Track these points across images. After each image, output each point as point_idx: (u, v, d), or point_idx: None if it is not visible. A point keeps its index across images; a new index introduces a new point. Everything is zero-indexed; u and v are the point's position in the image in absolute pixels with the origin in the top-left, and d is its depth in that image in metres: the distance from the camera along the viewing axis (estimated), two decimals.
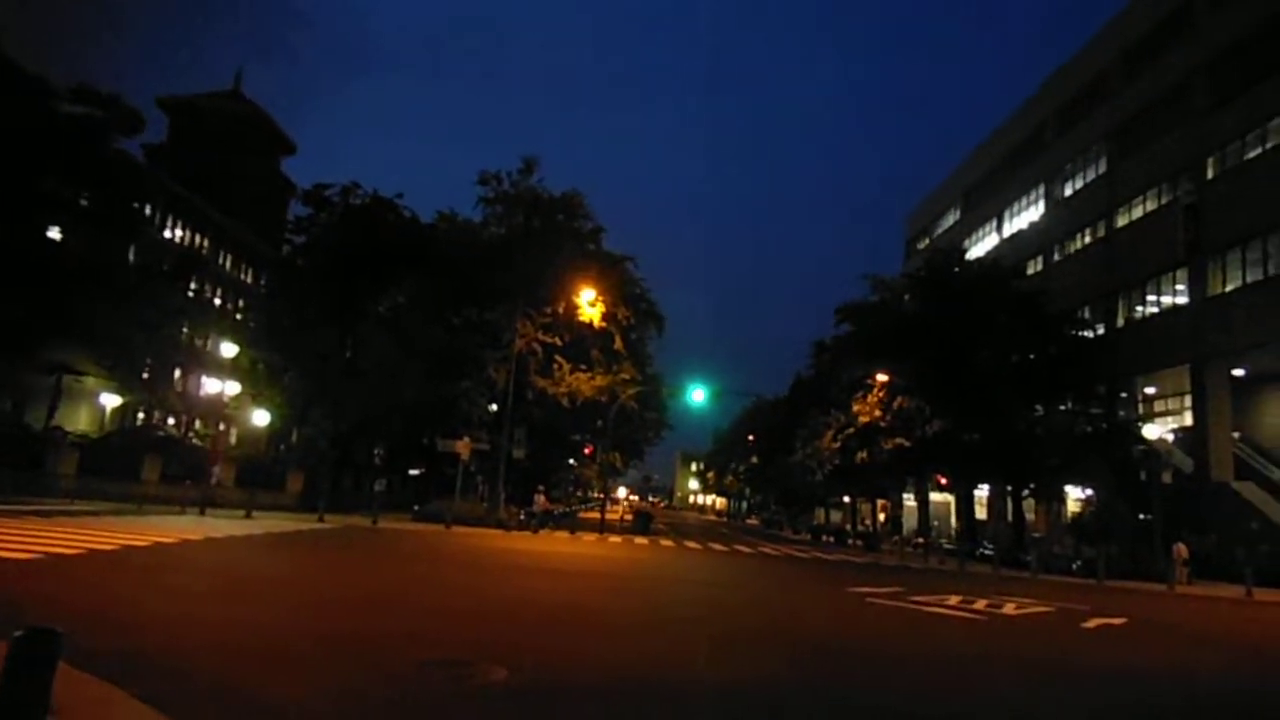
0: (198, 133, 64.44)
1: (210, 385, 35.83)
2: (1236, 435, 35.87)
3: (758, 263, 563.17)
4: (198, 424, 50.71)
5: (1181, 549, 27.68)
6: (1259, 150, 33.61)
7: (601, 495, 55.06)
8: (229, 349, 34.38)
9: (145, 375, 49.24)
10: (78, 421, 42.59)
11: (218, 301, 59.40)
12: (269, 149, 71.75)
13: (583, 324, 39.17)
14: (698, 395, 41.07)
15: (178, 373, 55.01)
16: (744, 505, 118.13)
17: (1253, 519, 31.63)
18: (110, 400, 45.57)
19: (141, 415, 50.86)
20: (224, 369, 36.55)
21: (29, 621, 3.39)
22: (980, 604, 16.56)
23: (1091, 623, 14.92)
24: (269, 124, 71.18)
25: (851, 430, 44.58)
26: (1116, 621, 15.44)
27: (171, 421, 52.75)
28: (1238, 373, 35.79)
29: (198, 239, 56.34)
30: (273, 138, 72.18)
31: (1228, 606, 21.68)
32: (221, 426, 37.43)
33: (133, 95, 32.51)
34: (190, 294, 53.98)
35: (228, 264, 60.93)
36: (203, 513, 25.66)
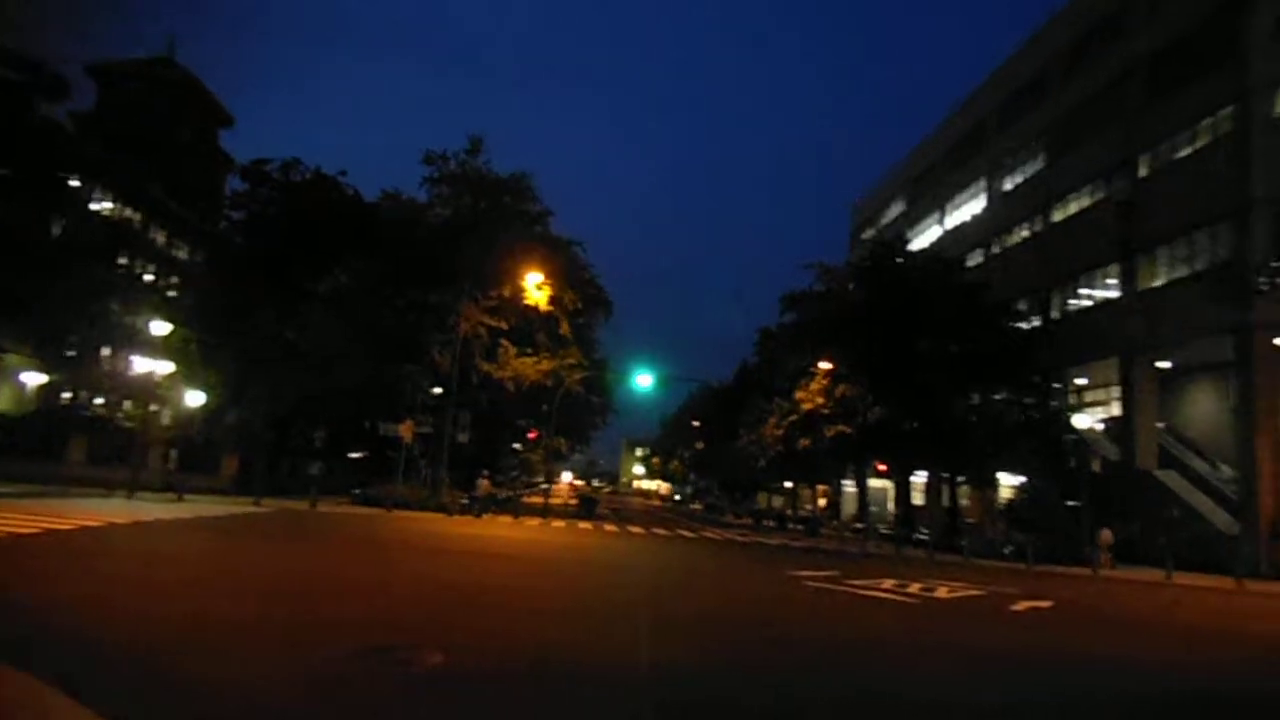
0: (128, 100, 61.80)
1: (141, 364, 34.59)
2: (1161, 426, 37.26)
3: (706, 251, 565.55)
4: (127, 404, 49.01)
5: (1106, 535, 28.72)
6: (1189, 150, 34.75)
7: (546, 479, 54.88)
8: (161, 327, 33.24)
9: (71, 353, 47.42)
10: None
11: (149, 278, 57.35)
12: (205, 120, 69.28)
13: (529, 308, 38.81)
14: (644, 380, 41.15)
15: (106, 351, 53.04)
16: (688, 490, 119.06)
17: (1174, 506, 32.95)
18: (33, 378, 43.77)
19: (68, 394, 48.97)
20: (156, 348, 35.33)
21: None
22: (914, 587, 16.94)
23: (1020, 605, 15.38)
24: (204, 93, 68.70)
25: (795, 417, 45.12)
26: (1044, 604, 15.94)
27: (99, 401, 50.91)
28: (1164, 365, 37.13)
29: (128, 212, 54.26)
30: (208, 108, 69.70)
31: (1148, 590, 22.57)
32: (153, 407, 36.27)
33: (61, 63, 31.09)
34: (120, 269, 52.06)
35: (160, 239, 58.83)
36: (131, 496, 24.83)
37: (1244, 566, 26.15)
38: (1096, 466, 36.30)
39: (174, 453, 29.12)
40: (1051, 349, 39.55)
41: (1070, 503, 33.72)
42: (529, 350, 40.42)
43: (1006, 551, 31.54)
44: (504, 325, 38.99)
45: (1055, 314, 42.76)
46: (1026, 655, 10.54)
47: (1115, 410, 38.17)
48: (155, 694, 5.36)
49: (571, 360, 41.20)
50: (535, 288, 37.45)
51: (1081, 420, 35.75)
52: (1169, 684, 9.27)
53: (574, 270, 41.36)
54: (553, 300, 38.78)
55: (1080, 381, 39.94)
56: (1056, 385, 40.50)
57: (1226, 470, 33.62)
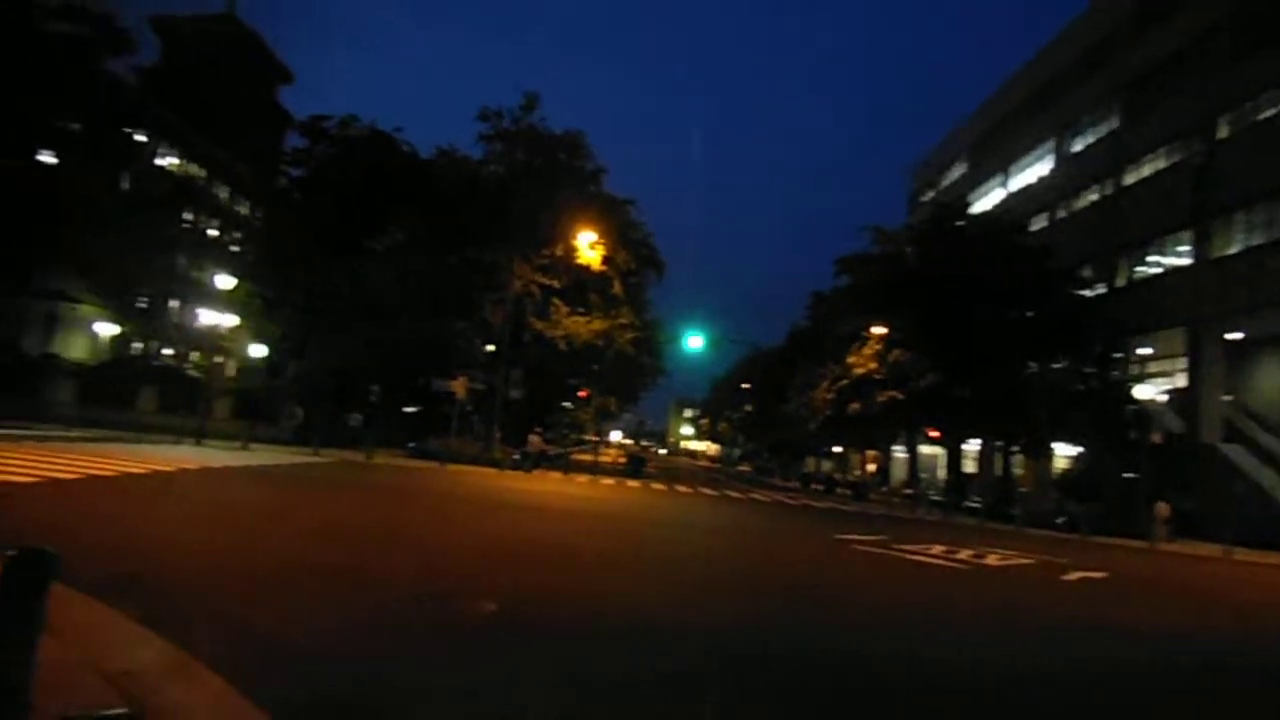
0: (192, 57, 62.89)
1: (207, 317, 35.65)
2: (1228, 399, 36.07)
3: (760, 213, 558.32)
4: (194, 355, 50.66)
5: (1163, 507, 28.04)
6: (1272, 112, 33.10)
7: (595, 438, 55.45)
8: (225, 281, 34.16)
9: (141, 305, 49.09)
10: (74, 349, 42.55)
11: (213, 232, 58.83)
12: (266, 76, 70.26)
13: (581, 267, 38.94)
14: (695, 342, 41.09)
15: (174, 303, 54.78)
16: (736, 452, 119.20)
17: (1239, 481, 32.00)
18: (106, 329, 45.47)
19: (139, 345, 50.79)
20: (221, 301, 36.37)
21: (27, 542, 3.43)
22: (964, 554, 16.84)
23: (1072, 575, 15.20)
24: (265, 50, 69.59)
25: (846, 381, 44.73)
26: (1097, 575, 15.74)
27: (168, 352, 52.72)
28: (1234, 336, 35.83)
29: (193, 168, 55.54)
30: (269, 65, 70.64)
31: (1206, 564, 22.08)
32: (218, 358, 37.42)
33: (125, 16, 31.68)
34: (185, 224, 53.45)
35: (223, 194, 60.17)
36: (199, 442, 25.80)
37: None
38: (1158, 439, 35.36)
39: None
40: (1115, 317, 38.42)
41: (1128, 475, 32.99)
42: (581, 309, 40.62)
43: (1060, 521, 31.07)
44: (556, 284, 39.21)
45: (1121, 281, 41.44)
46: (1075, 622, 10.46)
47: (1180, 382, 37.03)
48: (224, 631, 5.65)
49: (623, 320, 41.33)
50: (588, 246, 37.51)
51: (1144, 391, 34.78)
52: (1219, 654, 9.14)
53: (627, 229, 41.31)
54: (605, 259, 38.85)
55: (1144, 351, 38.78)
56: (1118, 355, 39.41)
57: None
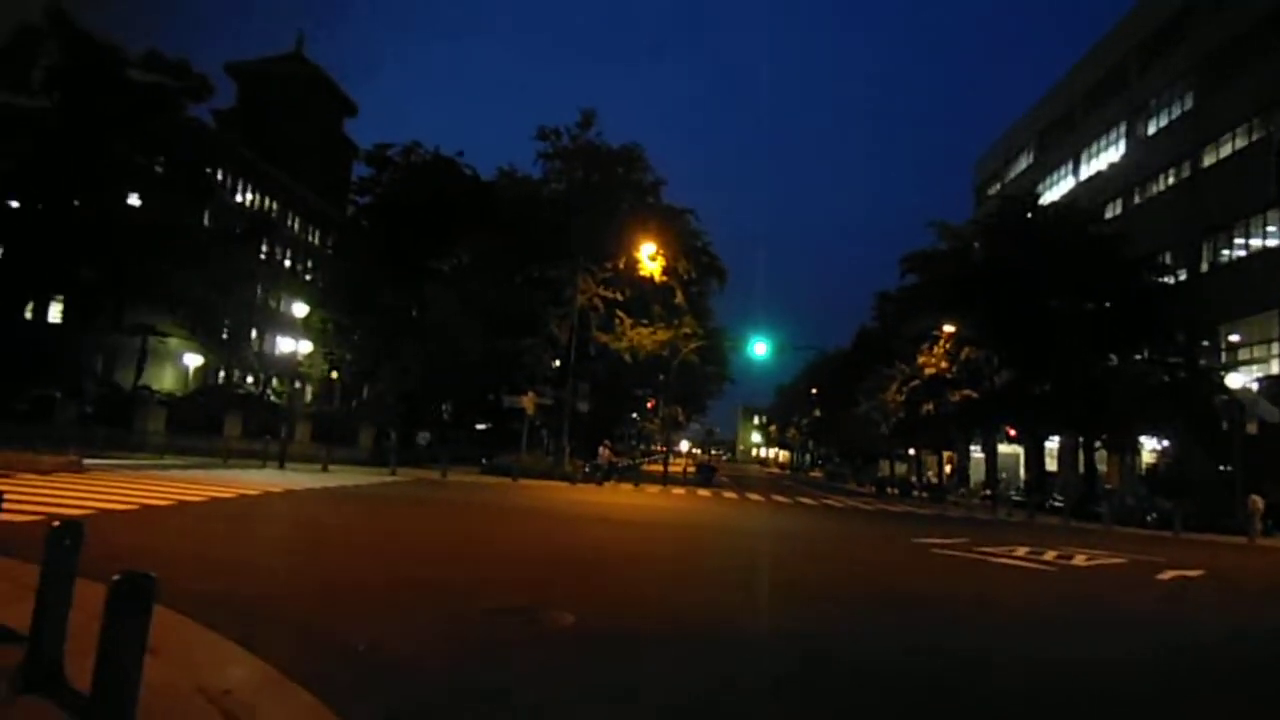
0: (264, 97, 65.61)
1: (284, 344, 37.00)
2: None
3: (824, 214, 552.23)
4: (274, 382, 52.52)
5: (1256, 501, 26.63)
6: None
7: (664, 448, 55.43)
8: (300, 309, 35.38)
9: (224, 335, 51.14)
10: (163, 381, 44.57)
11: (288, 263, 61.02)
12: (332, 110, 72.79)
13: (643, 278, 39.12)
14: (760, 349, 40.81)
15: (254, 333, 56.92)
16: (807, 458, 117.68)
17: None
18: (193, 360, 47.50)
19: (222, 374, 52.90)
20: (296, 328, 37.69)
21: (128, 567, 3.61)
22: (1049, 555, 16.31)
23: (1167, 574, 14.58)
24: (331, 86, 72.09)
25: (917, 382, 43.87)
26: (1193, 573, 15.06)
27: (250, 380, 54.76)
28: None
29: (267, 202, 57.76)
30: (335, 99, 73.14)
31: None
32: (297, 384, 38.70)
33: (199, 61, 33.34)
34: (262, 256, 55.55)
35: (296, 226, 62.41)
36: (282, 466, 26.70)
37: None
38: (1252, 429, 33.66)
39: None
40: (1200, 304, 36.82)
41: (1222, 467, 31.48)
42: (645, 321, 40.79)
43: (1150, 519, 29.82)
44: (619, 296, 39.48)
45: (1204, 266, 39.68)
46: (1173, 623, 10.03)
47: (1274, 369, 35.22)
48: (313, 647, 5.84)
49: (687, 330, 41.33)
50: (649, 258, 37.68)
51: (1235, 379, 33.17)
52: None
53: (687, 239, 41.38)
54: (667, 270, 38.95)
55: (1234, 338, 37.04)
56: (1205, 343, 37.72)
57: None
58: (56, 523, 4.37)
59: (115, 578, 3.53)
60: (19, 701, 3.96)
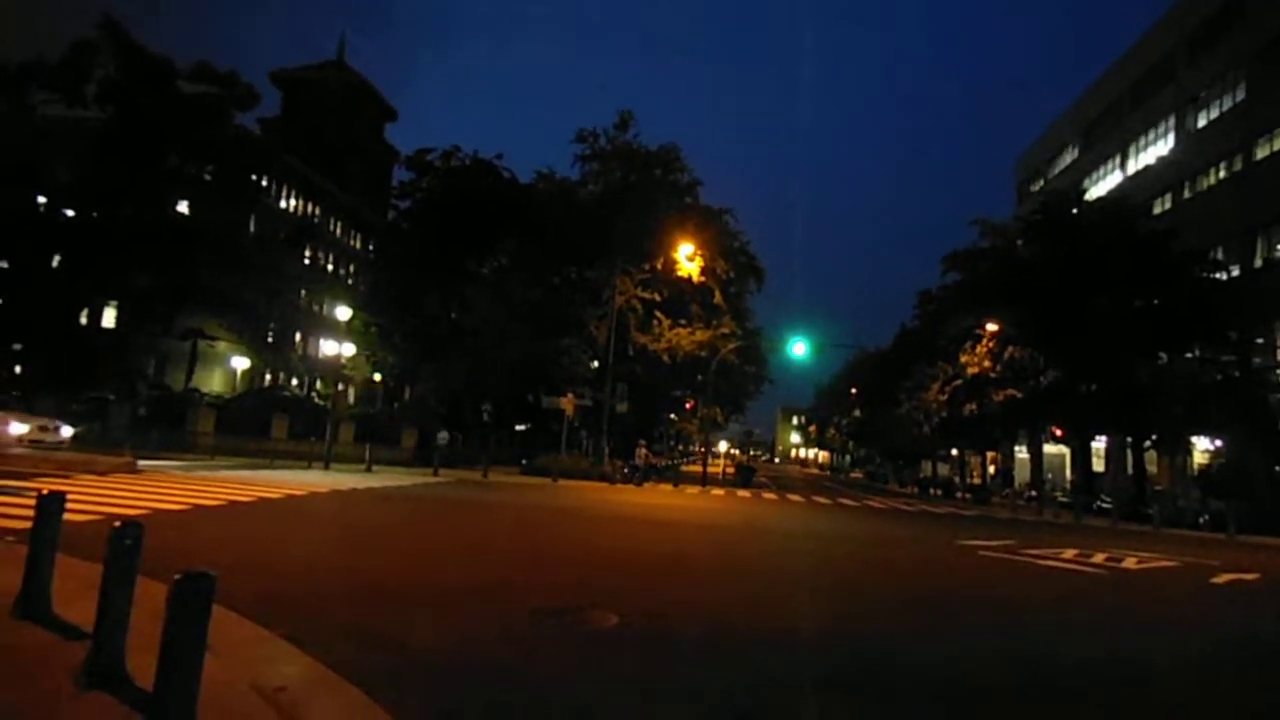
0: (307, 104, 66.87)
1: (328, 347, 37.64)
2: None
3: (861, 213, 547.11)
4: (318, 384, 53.45)
5: None
6: None
7: (703, 449, 55.31)
8: (343, 312, 35.92)
9: (270, 339, 52.15)
10: (212, 383, 45.63)
11: (331, 267, 62.05)
12: (373, 116, 73.86)
13: (681, 279, 39.12)
14: (799, 349, 40.56)
15: (298, 336, 57.99)
16: (847, 459, 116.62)
17: None
18: (240, 363, 48.52)
19: (268, 377, 53.97)
20: (340, 331, 38.27)
21: (183, 566, 3.72)
22: (1099, 557, 15.97)
23: (1222, 578, 14.20)
24: (372, 92, 73.15)
25: (959, 382, 43.30)
26: (1249, 577, 14.65)
27: (295, 382, 55.80)
28: None
29: (310, 207, 58.81)
30: (376, 105, 74.20)
31: None
32: (340, 386, 39.32)
33: (244, 71, 34.00)
34: (306, 261, 56.57)
35: (338, 230, 63.45)
36: (327, 467, 27.16)
37: None
38: None
39: (442, 434, 31.85)
40: (1254, 300, 35.80)
41: (1278, 468, 30.60)
42: (683, 321, 40.77)
43: (1202, 521, 29.08)
44: (657, 297, 39.51)
45: (1258, 262, 38.58)
46: (1229, 626, 9.78)
47: None
48: (363, 646, 5.95)
49: (725, 330, 41.24)
50: (687, 258, 37.66)
51: None
52: None
53: (725, 239, 41.29)
54: (704, 270, 38.91)
55: None
56: (1260, 340, 36.66)
57: None
58: (118, 523, 4.51)
59: (177, 577, 3.63)
60: (85, 697, 4.10)
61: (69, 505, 5.91)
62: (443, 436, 32.43)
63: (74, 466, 17.51)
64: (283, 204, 55.05)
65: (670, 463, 56.84)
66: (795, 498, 34.27)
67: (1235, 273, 39.00)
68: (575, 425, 41.05)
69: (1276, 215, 37.30)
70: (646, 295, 39.21)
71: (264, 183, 48.42)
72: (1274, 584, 14.37)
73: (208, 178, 35.68)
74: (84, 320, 39.36)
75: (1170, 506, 31.31)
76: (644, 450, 38.32)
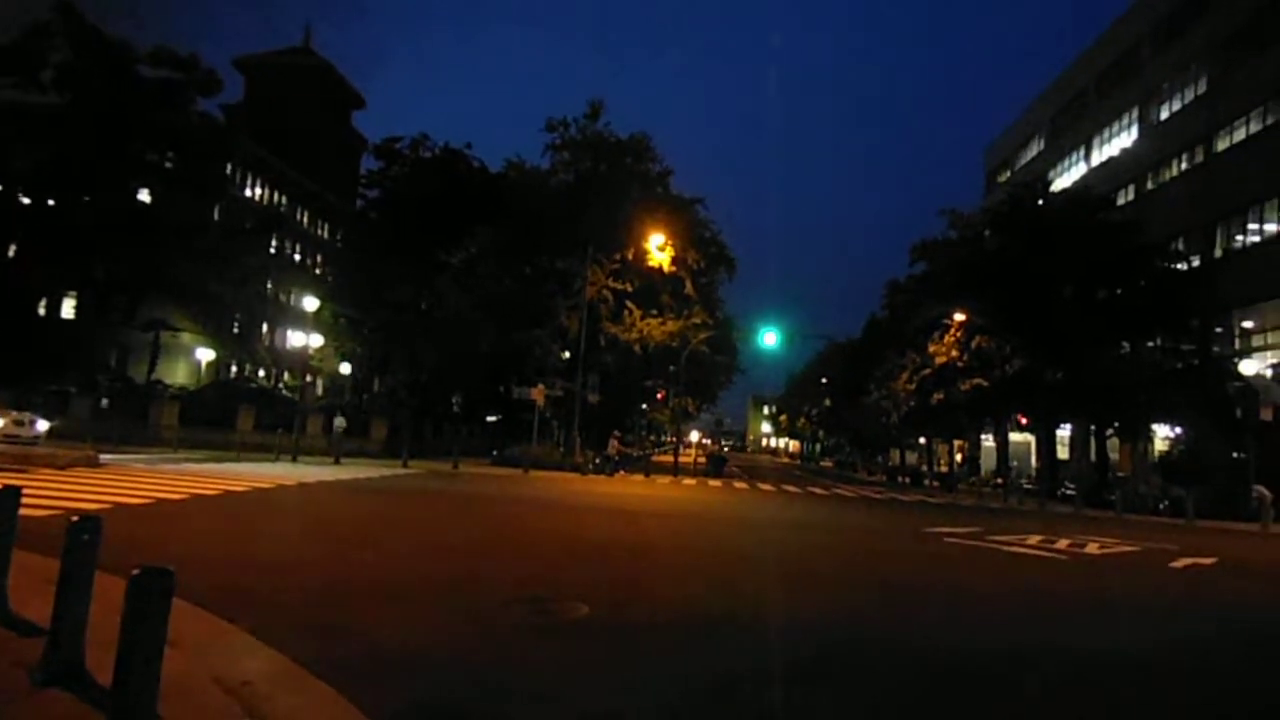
0: (272, 91, 65.72)
1: (295, 338, 37.13)
2: None
3: (831, 204, 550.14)
4: (286, 376, 52.79)
5: (1263, 491, 26.35)
6: None
7: (674, 439, 55.48)
8: (311, 303, 35.46)
9: (235, 330, 51.37)
10: (176, 375, 44.85)
11: (298, 257, 61.20)
12: (340, 104, 72.82)
13: (653, 269, 39.08)
14: (769, 339, 40.74)
15: (265, 327, 57.18)
16: (817, 448, 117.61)
17: None
18: (205, 354, 47.77)
19: (234, 368, 53.19)
20: (307, 322, 37.80)
21: (144, 561, 3.65)
22: (1062, 543, 16.27)
23: (1180, 562, 14.54)
24: (339, 79, 72.10)
25: (928, 371, 43.74)
26: (1206, 561, 15.01)
27: (261, 374, 55.04)
28: None
29: (276, 196, 57.91)
30: (343, 92, 73.15)
31: None
32: (308, 378, 38.85)
33: (206, 56, 33.44)
34: (272, 251, 55.73)
35: (305, 220, 62.55)
36: (294, 460, 26.86)
37: None
38: (1267, 416, 33.44)
39: (338, 420, 30.82)
40: (1213, 290, 36.54)
41: (1236, 455, 31.29)
42: (654, 312, 40.75)
43: (1162, 507, 29.69)
44: (629, 288, 39.44)
45: (1218, 252, 39.38)
46: (1186, 609, 10.01)
47: None
48: (332, 639, 5.89)
49: (696, 320, 41.27)
50: (658, 249, 37.62)
51: (1249, 366, 32.96)
52: None
53: (696, 229, 41.29)
54: (676, 260, 38.89)
55: (1247, 325, 36.76)
56: (1219, 330, 37.45)
57: None
58: (75, 517, 4.42)
59: (135, 572, 3.56)
60: (42, 694, 4.01)
61: (26, 500, 5.77)
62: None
63: (33, 460, 17.14)
64: (248, 192, 54.15)
65: (642, 453, 56.96)
66: (766, 487, 34.50)
67: (1196, 263, 39.76)
68: (547, 416, 40.94)
69: (1236, 206, 38.06)
70: (618, 285, 39.14)
71: (228, 171, 47.61)
72: (1226, 568, 14.73)
73: (169, 165, 34.99)
74: (42, 311, 38.51)
75: (1132, 493, 31.92)
76: (615, 441, 38.32)
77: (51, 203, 32.75)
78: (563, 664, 5.83)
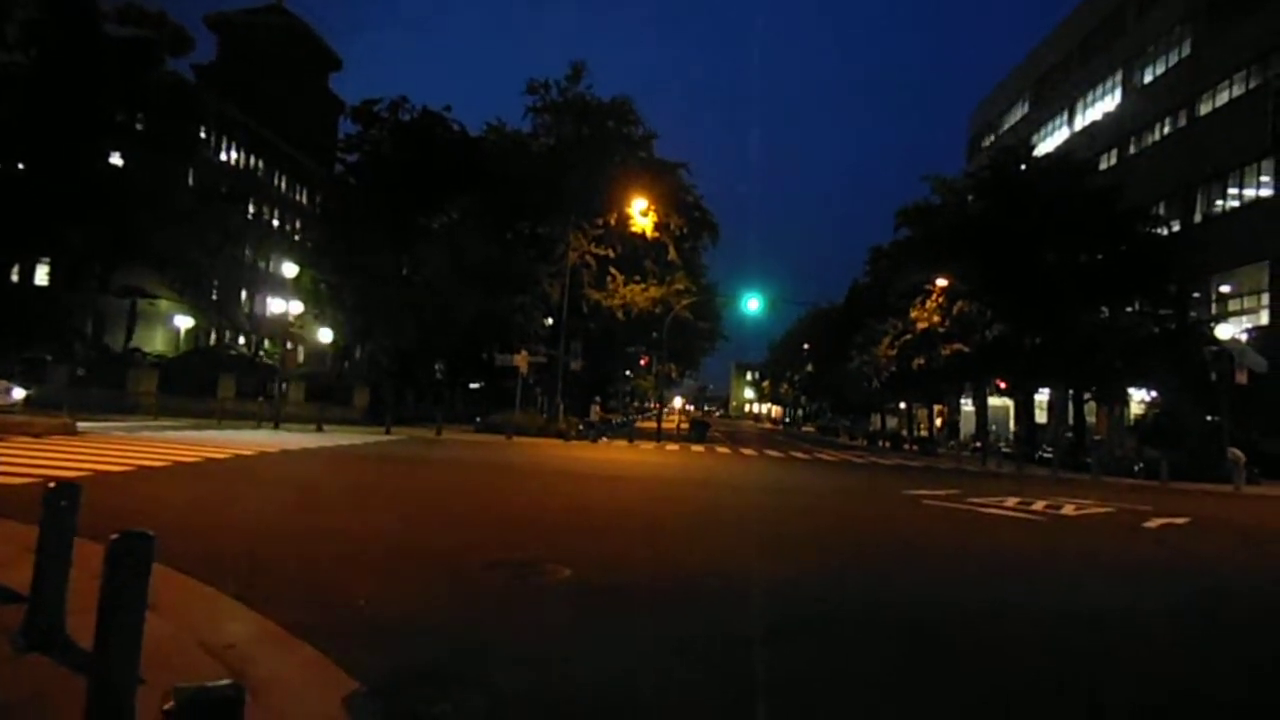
0: (245, 51, 64.31)
1: (275, 305, 36.74)
2: None
3: (815, 169, 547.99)
4: (266, 343, 52.30)
5: (1236, 453, 26.85)
6: None
7: (657, 405, 55.64)
8: (290, 269, 35.07)
9: (214, 297, 50.74)
10: (154, 343, 44.34)
11: (276, 222, 60.36)
12: (316, 65, 71.41)
13: (635, 235, 38.90)
14: (753, 304, 40.80)
15: (244, 294, 56.53)
16: (800, 413, 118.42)
17: None
18: (183, 322, 47.21)
19: (213, 335, 52.64)
20: (287, 288, 37.40)
21: (127, 527, 3.63)
22: (1039, 505, 16.53)
23: (1154, 522, 14.81)
24: (315, 39, 70.65)
25: (909, 337, 44.00)
26: (1179, 521, 15.31)
27: (241, 341, 54.52)
28: None
29: (252, 160, 56.90)
30: (319, 53, 71.72)
31: None
32: (289, 345, 38.55)
33: (177, 13, 32.52)
34: (249, 216, 54.91)
35: (283, 184, 61.58)
36: (276, 427, 26.73)
37: None
38: (1242, 379, 33.95)
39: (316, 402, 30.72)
40: (1193, 255, 36.87)
41: (1210, 418, 31.79)
42: (637, 278, 40.63)
43: (1138, 469, 30.17)
44: (611, 253, 39.26)
45: (1198, 217, 39.66)
46: (1159, 567, 10.23)
47: (1264, 319, 35.44)
48: (313, 604, 5.91)
49: (679, 286, 41.22)
50: (641, 214, 37.38)
51: (1225, 330, 33.36)
52: None
53: (679, 194, 41.05)
54: (659, 226, 38.71)
55: (1224, 289, 37.17)
56: (1196, 295, 37.84)
57: None
58: (53, 484, 4.38)
59: (113, 537, 3.55)
60: (23, 659, 4.00)
61: (3, 468, 5.73)
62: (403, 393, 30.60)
63: (8, 429, 16.94)
64: (223, 156, 53.17)
65: (625, 419, 57.12)
66: (748, 452, 34.75)
67: (1176, 228, 40.03)
68: (530, 383, 40.87)
69: (1216, 171, 38.28)
70: (600, 251, 38.93)
71: (202, 133, 46.67)
72: (1199, 527, 15.04)
73: (140, 127, 34.26)
74: (15, 278, 37.85)
75: (1108, 456, 32.40)
76: (597, 407, 38.39)
77: (20, 166, 32.05)
78: (545, 626, 5.88)
